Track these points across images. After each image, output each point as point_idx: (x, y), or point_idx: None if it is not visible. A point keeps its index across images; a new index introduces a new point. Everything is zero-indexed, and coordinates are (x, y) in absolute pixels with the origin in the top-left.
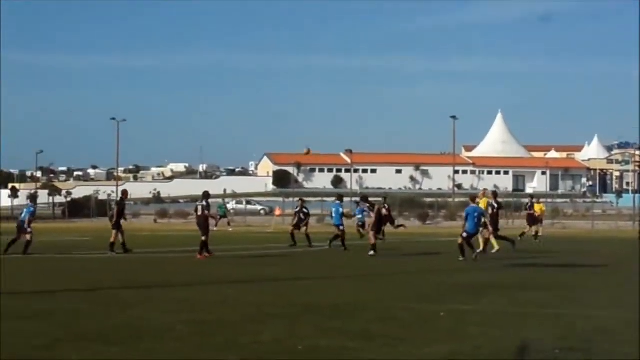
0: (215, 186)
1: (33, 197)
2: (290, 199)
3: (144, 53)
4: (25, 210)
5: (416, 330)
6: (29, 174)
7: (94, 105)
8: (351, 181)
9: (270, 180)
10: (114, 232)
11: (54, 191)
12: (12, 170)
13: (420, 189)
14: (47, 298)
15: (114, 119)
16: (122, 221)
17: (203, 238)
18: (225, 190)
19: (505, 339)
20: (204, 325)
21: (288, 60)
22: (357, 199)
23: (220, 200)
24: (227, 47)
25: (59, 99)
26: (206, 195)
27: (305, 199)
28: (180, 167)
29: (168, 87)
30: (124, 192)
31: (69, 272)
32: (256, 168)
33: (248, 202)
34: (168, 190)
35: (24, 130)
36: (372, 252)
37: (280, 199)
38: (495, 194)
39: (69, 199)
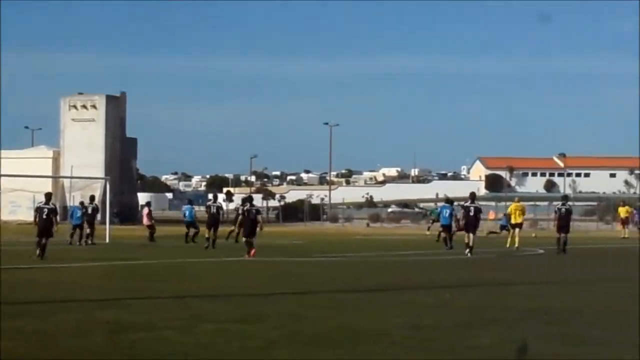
0: (427, 190)
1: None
2: (503, 203)
3: (354, 57)
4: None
5: (634, 334)
6: (243, 178)
7: (307, 110)
8: (564, 185)
9: (483, 184)
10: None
11: (268, 195)
12: (227, 175)
13: (635, 193)
14: (263, 301)
15: (326, 123)
16: None
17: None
18: (437, 195)
19: None
20: (421, 330)
21: (502, 65)
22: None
23: (432, 204)
24: (433, 52)
25: (272, 104)
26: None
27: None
28: (393, 171)
29: (380, 92)
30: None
31: (284, 275)
32: (468, 172)
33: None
34: (380, 194)
35: (239, 136)
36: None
37: (493, 203)
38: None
39: (282, 203)
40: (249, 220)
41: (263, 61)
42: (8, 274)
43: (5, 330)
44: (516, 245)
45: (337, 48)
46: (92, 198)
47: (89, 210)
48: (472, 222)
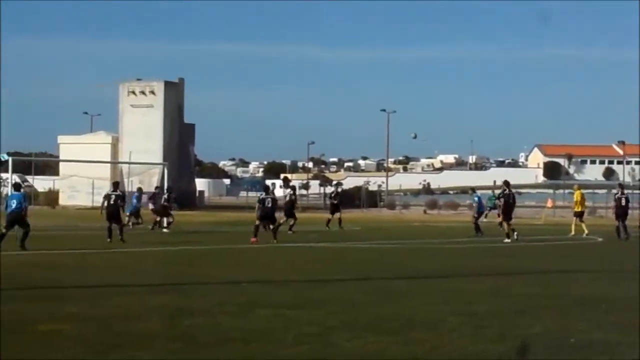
0: (485, 178)
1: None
2: (561, 191)
3: (413, 45)
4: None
5: None
6: (300, 164)
7: (365, 97)
8: (623, 173)
9: (541, 171)
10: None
11: (325, 181)
12: (284, 161)
13: None
14: (320, 287)
15: (384, 110)
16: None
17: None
18: (494, 182)
19: None
20: (476, 317)
21: (558, 52)
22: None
23: (489, 191)
24: (489, 40)
25: (329, 91)
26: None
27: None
28: (450, 158)
29: (437, 79)
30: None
31: (341, 261)
32: (526, 159)
33: None
34: (438, 181)
35: (297, 122)
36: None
37: (551, 191)
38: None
39: (339, 189)
40: (263, 208)
41: (319, 49)
42: (69, 257)
43: (56, 314)
44: (586, 232)
45: (395, 35)
46: (160, 186)
47: (160, 199)
48: (510, 209)
